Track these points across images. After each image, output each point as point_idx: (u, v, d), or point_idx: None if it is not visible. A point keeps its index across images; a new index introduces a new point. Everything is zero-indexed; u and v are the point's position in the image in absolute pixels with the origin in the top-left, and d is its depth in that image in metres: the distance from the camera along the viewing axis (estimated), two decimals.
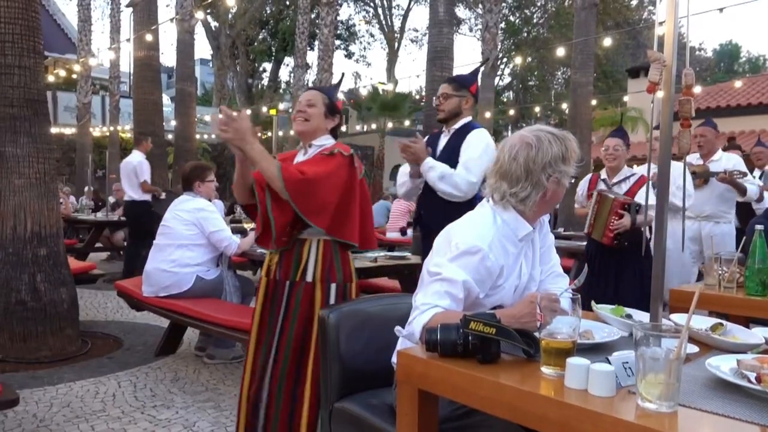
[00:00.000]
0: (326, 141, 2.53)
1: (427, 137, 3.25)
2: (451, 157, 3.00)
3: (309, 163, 2.44)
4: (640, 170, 4.22)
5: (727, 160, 4.74)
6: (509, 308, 1.59)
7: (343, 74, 3.29)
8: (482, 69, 3.84)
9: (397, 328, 1.66)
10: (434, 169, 2.96)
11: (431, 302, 1.60)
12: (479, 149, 2.97)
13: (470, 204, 2.83)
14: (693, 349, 1.49)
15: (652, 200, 3.74)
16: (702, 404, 1.14)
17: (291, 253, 2.45)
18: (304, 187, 2.27)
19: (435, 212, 3.02)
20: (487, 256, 1.64)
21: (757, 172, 5.60)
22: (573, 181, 1.77)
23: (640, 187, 3.89)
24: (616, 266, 3.85)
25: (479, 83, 3.18)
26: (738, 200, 4.84)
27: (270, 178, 2.25)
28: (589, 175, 4.39)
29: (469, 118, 3.15)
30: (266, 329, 2.46)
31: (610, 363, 1.22)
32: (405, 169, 3.26)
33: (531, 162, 1.67)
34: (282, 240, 2.41)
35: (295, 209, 2.27)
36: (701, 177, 4.69)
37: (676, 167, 4.10)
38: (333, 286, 2.44)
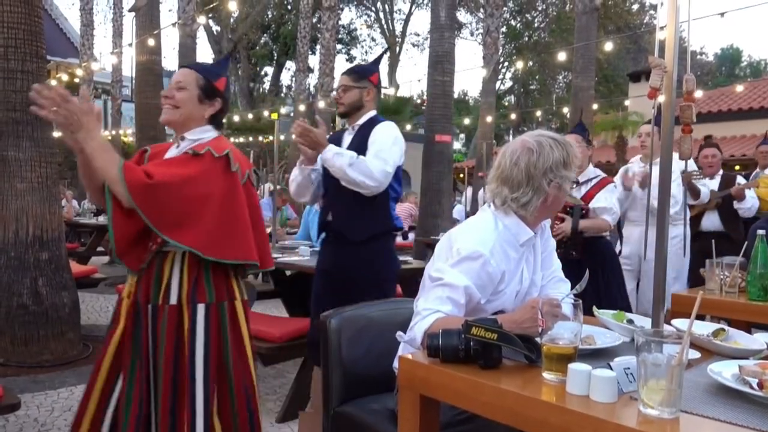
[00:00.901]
0: (203, 134, 2.08)
1: (329, 135, 2.91)
2: (359, 151, 2.66)
3: (169, 163, 2.02)
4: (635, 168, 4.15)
5: (675, 163, 4.60)
6: (511, 314, 1.59)
7: (385, 50, 3.11)
8: (384, 57, 3.44)
9: (399, 333, 1.66)
10: (341, 156, 2.56)
11: (433, 307, 1.60)
12: (389, 140, 2.68)
13: (380, 202, 2.68)
14: (695, 354, 1.49)
15: (608, 203, 3.57)
16: (704, 410, 1.14)
17: (151, 271, 1.99)
18: (150, 194, 1.83)
19: (345, 213, 2.72)
20: (488, 262, 1.64)
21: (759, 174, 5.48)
22: (574, 186, 1.78)
23: (599, 190, 3.65)
24: (574, 281, 3.55)
25: (380, 72, 2.90)
26: (690, 203, 4.46)
27: (110, 181, 1.81)
28: None
29: (373, 112, 2.83)
30: (128, 358, 1.98)
31: (611, 369, 1.22)
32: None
33: (532, 167, 1.67)
34: (140, 258, 1.98)
35: (146, 221, 1.84)
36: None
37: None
38: (201, 307, 1.98)
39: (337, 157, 2.57)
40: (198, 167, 1.94)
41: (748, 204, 4.72)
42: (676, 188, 3.75)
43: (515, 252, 1.73)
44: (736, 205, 4.75)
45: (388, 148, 2.64)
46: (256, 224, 2.09)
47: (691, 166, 4.23)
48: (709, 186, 4.59)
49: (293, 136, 2.67)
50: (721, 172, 4.94)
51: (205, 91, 2.07)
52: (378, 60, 3.06)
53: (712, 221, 4.71)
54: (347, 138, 2.82)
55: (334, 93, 2.93)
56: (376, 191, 2.60)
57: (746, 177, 5.18)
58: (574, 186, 3.66)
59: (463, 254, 1.65)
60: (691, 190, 4.35)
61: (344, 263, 2.71)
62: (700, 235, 4.57)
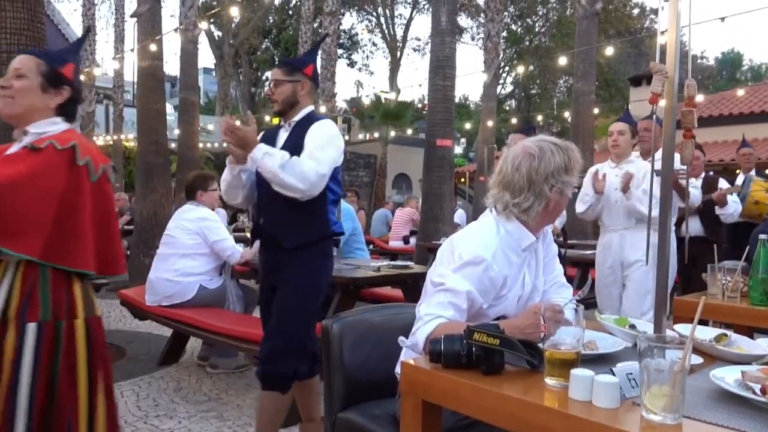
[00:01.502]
0: (49, 127, 1.85)
1: (262, 133, 2.69)
2: (293, 154, 2.42)
3: (2, 161, 1.78)
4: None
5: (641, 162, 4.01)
6: (513, 319, 1.59)
7: (323, 36, 2.98)
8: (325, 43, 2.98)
9: (401, 338, 1.66)
10: (272, 156, 2.34)
11: (435, 313, 1.60)
12: (324, 138, 2.47)
13: (317, 206, 2.48)
14: (697, 360, 1.49)
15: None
16: (706, 416, 1.14)
17: None
18: None
19: (277, 217, 2.53)
20: (490, 267, 1.64)
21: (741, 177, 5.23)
22: (576, 191, 1.78)
23: None
24: None
25: (318, 64, 2.65)
26: (680, 205, 4.13)
27: None
28: None
29: (310, 108, 2.62)
30: None
31: (614, 374, 1.22)
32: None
33: (534, 172, 1.68)
34: None
35: None
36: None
37: (640, 167, 3.74)
38: (31, 327, 1.71)
39: (267, 158, 2.34)
40: (36, 163, 1.72)
41: (731, 210, 4.55)
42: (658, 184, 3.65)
43: (517, 257, 1.74)
44: (717, 210, 4.57)
45: (323, 148, 2.43)
46: (105, 226, 1.87)
47: (677, 164, 3.98)
48: (698, 187, 4.31)
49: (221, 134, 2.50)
50: (703, 174, 4.82)
51: (48, 78, 1.85)
52: (314, 50, 2.80)
53: (692, 227, 4.49)
54: (282, 136, 2.59)
55: (266, 88, 2.71)
56: (309, 195, 2.39)
57: (730, 182, 4.97)
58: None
59: (465, 259, 1.65)
60: (679, 191, 4.00)
61: (276, 271, 2.55)
62: (680, 242, 4.20)
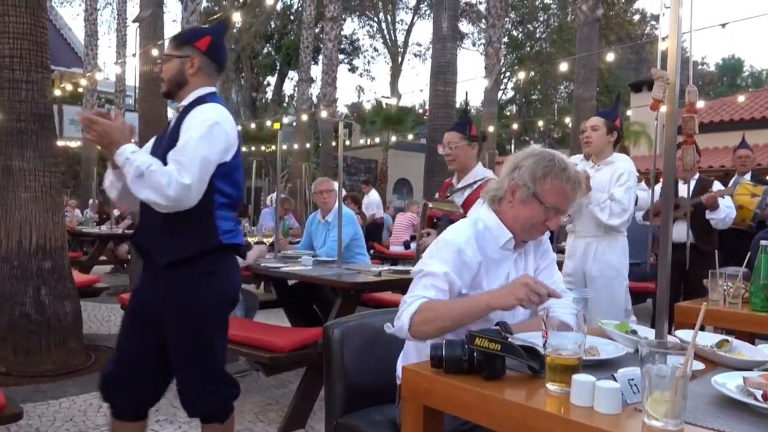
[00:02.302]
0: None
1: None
2: (172, 145, 2.01)
3: None
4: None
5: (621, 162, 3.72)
6: (501, 287, 1.67)
7: (225, 19, 2.34)
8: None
9: (387, 324, 1.71)
10: (130, 163, 1.92)
11: (418, 294, 1.66)
12: (197, 132, 1.97)
13: (200, 214, 2.02)
14: (699, 366, 1.48)
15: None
16: (708, 422, 1.14)
17: None
18: None
19: (151, 228, 2.11)
20: (462, 251, 1.71)
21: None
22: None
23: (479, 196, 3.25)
24: None
25: (217, 38, 2.19)
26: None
27: None
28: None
29: (205, 90, 2.14)
30: None
31: (615, 380, 1.22)
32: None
33: (516, 163, 1.77)
34: None
35: None
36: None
37: (618, 170, 3.37)
38: None
39: (128, 164, 1.93)
40: None
41: (722, 214, 4.24)
42: (623, 193, 3.32)
43: (495, 252, 1.78)
44: (708, 215, 4.25)
45: (191, 147, 1.95)
46: None
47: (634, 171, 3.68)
48: (648, 192, 3.97)
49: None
50: (697, 175, 4.47)
51: None
52: (223, 23, 2.33)
53: (680, 232, 3.82)
54: (172, 123, 2.17)
55: (156, 68, 2.30)
56: (179, 209, 1.95)
57: (724, 184, 4.64)
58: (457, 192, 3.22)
59: (439, 245, 1.75)
60: None
61: (147, 293, 2.15)
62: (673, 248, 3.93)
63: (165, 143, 2.07)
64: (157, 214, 2.00)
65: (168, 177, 1.89)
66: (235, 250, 2.18)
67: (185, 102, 2.13)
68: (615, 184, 3.38)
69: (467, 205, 3.09)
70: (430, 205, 3.11)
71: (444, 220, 3.03)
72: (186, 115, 2.05)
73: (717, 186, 4.45)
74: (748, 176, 5.01)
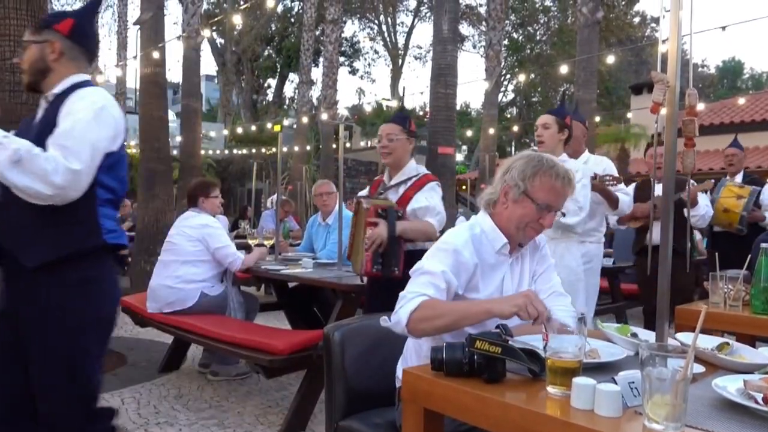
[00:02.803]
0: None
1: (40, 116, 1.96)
2: (46, 133, 1.79)
3: None
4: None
5: (595, 164, 3.69)
6: (503, 296, 1.74)
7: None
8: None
9: (383, 318, 1.72)
10: (4, 147, 1.67)
11: (417, 291, 1.68)
12: (82, 116, 1.79)
13: (79, 210, 1.80)
14: (699, 368, 1.48)
15: (431, 202, 2.92)
16: (709, 425, 1.14)
17: None
18: None
19: (17, 225, 1.82)
20: (459, 252, 1.74)
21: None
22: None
23: (417, 191, 3.03)
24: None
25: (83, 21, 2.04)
26: (608, 215, 3.85)
27: None
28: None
29: (77, 78, 1.94)
30: None
31: (616, 383, 1.22)
32: None
33: (507, 166, 1.83)
34: None
35: None
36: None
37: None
38: None
39: (1, 149, 1.67)
40: None
41: (702, 211, 4.14)
42: (579, 190, 2.93)
43: (491, 257, 1.81)
44: (691, 212, 3.94)
45: (78, 131, 1.76)
46: None
47: (610, 169, 3.63)
48: (630, 194, 3.81)
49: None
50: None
51: None
52: (91, 4, 2.15)
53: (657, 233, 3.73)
54: (39, 115, 1.95)
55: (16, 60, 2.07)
56: (64, 200, 1.74)
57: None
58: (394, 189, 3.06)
59: (436, 246, 1.79)
60: (607, 199, 3.54)
61: (14, 302, 1.86)
62: (645, 252, 3.65)
63: (34, 132, 1.82)
64: (24, 208, 1.74)
65: (54, 162, 1.69)
66: (116, 253, 1.97)
67: (57, 90, 1.91)
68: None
69: (403, 202, 3.01)
70: (365, 204, 2.95)
71: (392, 210, 2.90)
72: (62, 103, 1.84)
73: (692, 184, 4.21)
74: (739, 177, 4.89)
